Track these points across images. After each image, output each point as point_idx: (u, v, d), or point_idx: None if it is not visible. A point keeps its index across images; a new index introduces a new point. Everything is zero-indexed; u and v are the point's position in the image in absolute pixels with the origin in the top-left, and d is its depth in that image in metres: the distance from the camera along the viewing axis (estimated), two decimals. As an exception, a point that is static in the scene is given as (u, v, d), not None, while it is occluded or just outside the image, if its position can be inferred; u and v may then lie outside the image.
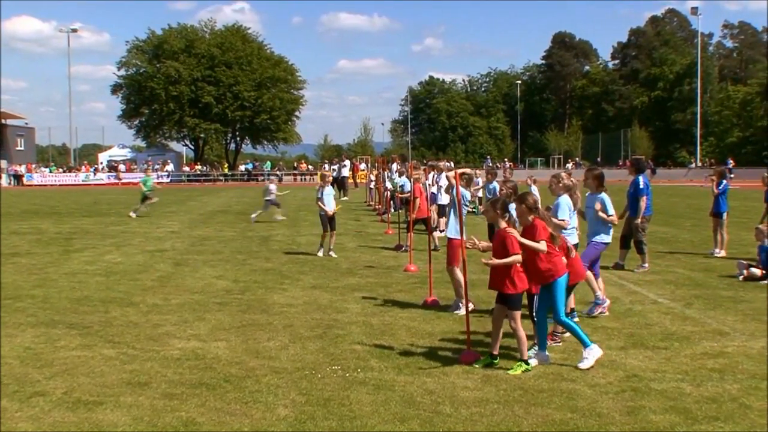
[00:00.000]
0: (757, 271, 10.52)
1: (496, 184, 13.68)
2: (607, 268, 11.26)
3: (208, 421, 5.03)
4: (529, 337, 6.39)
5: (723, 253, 13.13)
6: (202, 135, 75.40)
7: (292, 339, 7.26)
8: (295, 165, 73.89)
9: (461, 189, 8.06)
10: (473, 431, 4.87)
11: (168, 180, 60.68)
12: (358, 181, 46.04)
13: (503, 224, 6.38)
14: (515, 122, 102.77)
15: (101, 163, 70.61)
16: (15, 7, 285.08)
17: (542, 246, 6.20)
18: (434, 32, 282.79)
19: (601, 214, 8.62)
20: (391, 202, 20.97)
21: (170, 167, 65.85)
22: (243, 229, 18.89)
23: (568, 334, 6.73)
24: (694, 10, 71.56)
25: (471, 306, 7.61)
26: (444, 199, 14.55)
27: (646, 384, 5.80)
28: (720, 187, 13.50)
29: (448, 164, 28.20)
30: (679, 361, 6.45)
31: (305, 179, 63.61)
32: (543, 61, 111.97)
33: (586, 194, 8.85)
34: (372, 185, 29.03)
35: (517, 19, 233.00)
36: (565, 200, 7.88)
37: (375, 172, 28.30)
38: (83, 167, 68.88)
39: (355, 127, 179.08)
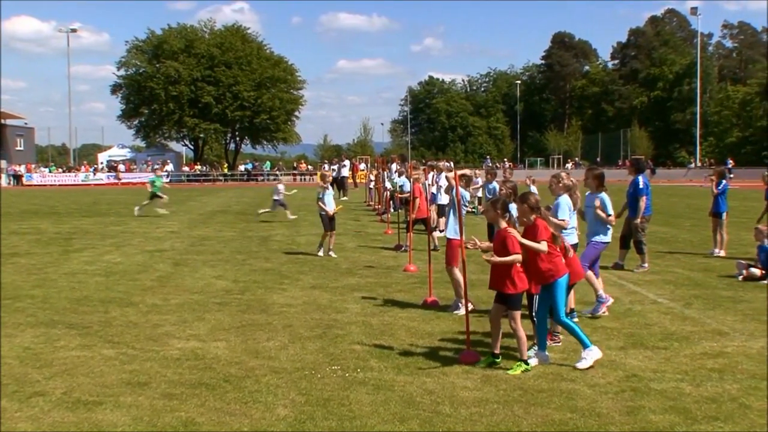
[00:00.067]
0: (757, 271, 10.52)
1: (495, 184, 13.69)
2: (607, 268, 11.26)
3: (208, 421, 5.03)
4: (528, 337, 6.40)
5: (722, 253, 13.13)
6: (201, 135, 75.41)
7: (291, 339, 7.26)
8: (295, 165, 73.85)
9: (461, 189, 8.06)
10: (473, 431, 4.87)
11: (167, 180, 60.48)
12: (357, 181, 46.02)
13: (503, 224, 6.39)
14: (515, 122, 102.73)
15: (101, 163, 70.61)
16: (14, 7, 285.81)
17: (543, 246, 6.20)
18: (434, 32, 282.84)
19: (599, 212, 8.63)
20: (391, 202, 20.95)
21: (170, 167, 65.75)
22: (242, 229, 18.90)
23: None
24: (694, 10, 71.66)
25: (470, 306, 7.61)
26: (443, 199, 14.54)
27: (645, 384, 5.80)
28: (719, 187, 13.50)
29: (448, 164, 28.16)
30: (678, 361, 6.45)
31: (305, 179, 63.58)
32: (542, 61, 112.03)
33: (586, 194, 8.85)
34: (371, 185, 29.01)
35: (517, 19, 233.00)
36: (565, 200, 7.88)
37: (374, 172, 28.29)
38: (83, 167, 68.84)
39: (355, 127, 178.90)
